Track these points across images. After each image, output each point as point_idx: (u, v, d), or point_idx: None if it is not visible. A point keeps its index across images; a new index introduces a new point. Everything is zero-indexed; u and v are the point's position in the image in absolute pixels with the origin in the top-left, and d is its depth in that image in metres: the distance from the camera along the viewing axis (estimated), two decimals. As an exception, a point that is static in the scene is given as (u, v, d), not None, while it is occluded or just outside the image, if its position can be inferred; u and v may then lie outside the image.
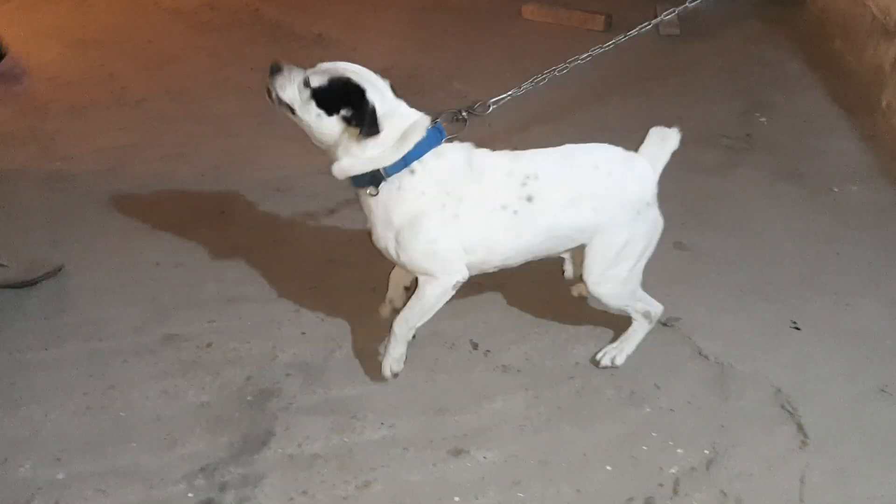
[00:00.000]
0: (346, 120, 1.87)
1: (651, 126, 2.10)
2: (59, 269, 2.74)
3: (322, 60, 1.96)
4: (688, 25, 5.12)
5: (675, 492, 1.89)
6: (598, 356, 2.30)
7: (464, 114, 2.05)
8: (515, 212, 1.95)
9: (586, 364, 2.32)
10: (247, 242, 2.91)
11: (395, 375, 2.13)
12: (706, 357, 2.31)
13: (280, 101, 1.93)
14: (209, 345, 2.40)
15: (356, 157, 1.91)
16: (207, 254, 2.86)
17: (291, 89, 1.91)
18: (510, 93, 2.20)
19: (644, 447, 2.02)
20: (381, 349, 2.26)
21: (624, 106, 4.00)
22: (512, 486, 1.92)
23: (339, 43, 5.15)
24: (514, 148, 2.06)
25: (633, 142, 2.10)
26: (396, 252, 1.98)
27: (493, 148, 2.04)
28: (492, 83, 4.30)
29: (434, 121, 1.96)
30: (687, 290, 2.60)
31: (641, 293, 2.21)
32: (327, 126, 1.90)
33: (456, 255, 1.97)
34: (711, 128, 3.76)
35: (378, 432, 2.08)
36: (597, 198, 2.00)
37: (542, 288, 2.59)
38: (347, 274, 2.73)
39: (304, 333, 2.45)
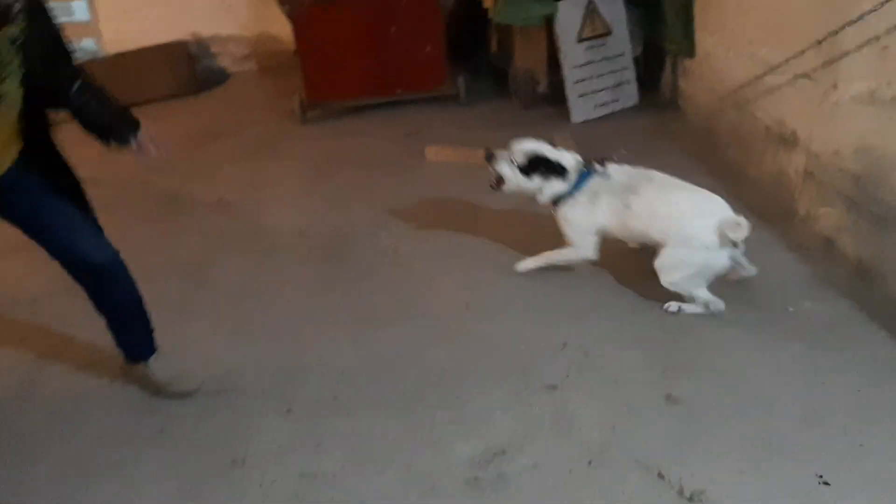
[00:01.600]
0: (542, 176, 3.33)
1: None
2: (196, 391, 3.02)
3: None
4: (589, 147, 5.24)
5: None
6: (666, 306, 3.27)
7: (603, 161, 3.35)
8: (622, 209, 3.23)
9: None
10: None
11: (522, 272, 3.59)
12: (747, 534, 2.17)
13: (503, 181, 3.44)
14: None
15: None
16: None
17: (506, 167, 3.42)
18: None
19: None
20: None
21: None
22: None
23: (243, 206, 4.94)
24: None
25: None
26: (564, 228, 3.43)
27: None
28: (417, 233, 4.24)
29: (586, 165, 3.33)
30: (696, 453, 2.47)
31: (705, 293, 3.16)
32: (530, 184, 3.39)
33: (589, 240, 3.38)
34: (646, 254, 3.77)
35: None
36: (663, 222, 3.11)
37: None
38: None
39: None
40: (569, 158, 3.32)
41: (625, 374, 2.92)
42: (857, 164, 3.45)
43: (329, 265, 4.04)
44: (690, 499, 2.29)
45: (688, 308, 3.23)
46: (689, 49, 5.48)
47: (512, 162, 3.31)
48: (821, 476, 2.33)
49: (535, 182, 3.32)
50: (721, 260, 3.07)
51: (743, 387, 2.80)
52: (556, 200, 3.34)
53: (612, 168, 3.31)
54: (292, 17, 6.01)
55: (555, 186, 3.30)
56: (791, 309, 3.28)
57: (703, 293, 3.15)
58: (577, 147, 5.14)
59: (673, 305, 3.25)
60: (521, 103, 6.23)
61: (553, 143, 5.37)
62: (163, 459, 2.68)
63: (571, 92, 5.73)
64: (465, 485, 2.44)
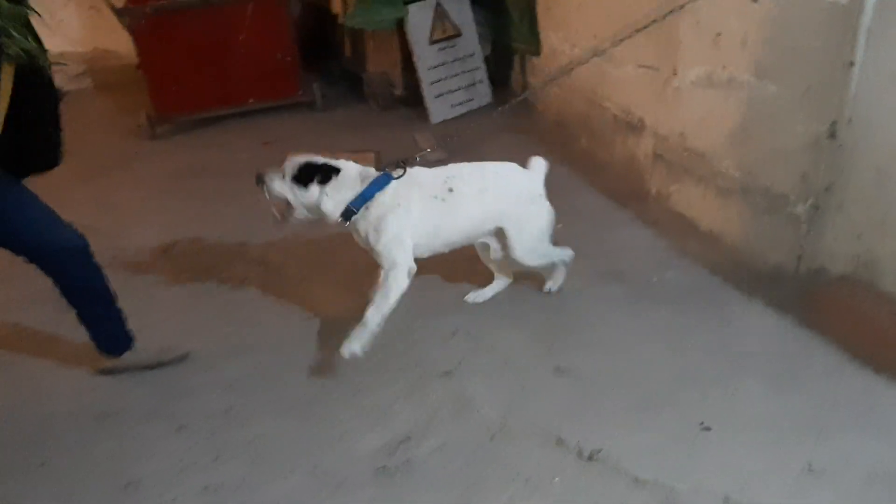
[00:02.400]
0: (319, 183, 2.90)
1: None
2: (186, 356, 3.16)
3: None
4: (449, 147, 5.39)
5: None
6: (546, 289, 3.38)
7: (403, 163, 3.00)
8: (443, 199, 2.91)
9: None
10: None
11: (352, 355, 2.79)
12: (644, 483, 2.31)
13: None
14: None
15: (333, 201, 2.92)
16: None
17: (278, 185, 2.96)
18: (427, 150, 3.40)
19: None
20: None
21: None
22: None
23: (97, 229, 4.63)
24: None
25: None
26: (372, 242, 2.92)
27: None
28: (286, 240, 4.18)
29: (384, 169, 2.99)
30: (589, 417, 2.61)
31: (552, 249, 3.23)
32: (308, 195, 2.92)
33: (406, 248, 2.89)
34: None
35: None
36: (497, 189, 3.01)
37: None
38: None
39: None
40: (349, 164, 2.99)
41: (514, 354, 3.04)
42: (700, 143, 3.77)
43: (200, 281, 3.91)
44: (590, 458, 2.42)
45: (560, 278, 3.35)
46: (536, 47, 5.75)
47: (283, 177, 2.91)
48: (702, 423, 2.53)
49: (313, 192, 2.88)
50: (550, 208, 3.20)
51: (622, 353, 2.98)
52: (348, 214, 2.90)
53: (415, 170, 2.99)
54: (133, 29, 5.76)
55: (339, 194, 2.89)
56: (655, 279, 3.52)
57: (556, 251, 3.25)
58: (439, 145, 5.31)
59: (552, 285, 3.37)
60: (379, 106, 6.29)
61: (416, 142, 5.52)
62: (47, 493, 2.51)
63: (428, 93, 5.85)
64: (374, 475, 2.45)
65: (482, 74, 6.18)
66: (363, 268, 3.70)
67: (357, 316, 2.89)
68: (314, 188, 2.88)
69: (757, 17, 3.23)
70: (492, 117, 6.00)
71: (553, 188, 4.78)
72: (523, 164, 3.24)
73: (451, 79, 5.98)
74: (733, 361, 2.85)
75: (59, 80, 7.73)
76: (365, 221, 2.90)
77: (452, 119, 5.99)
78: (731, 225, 3.58)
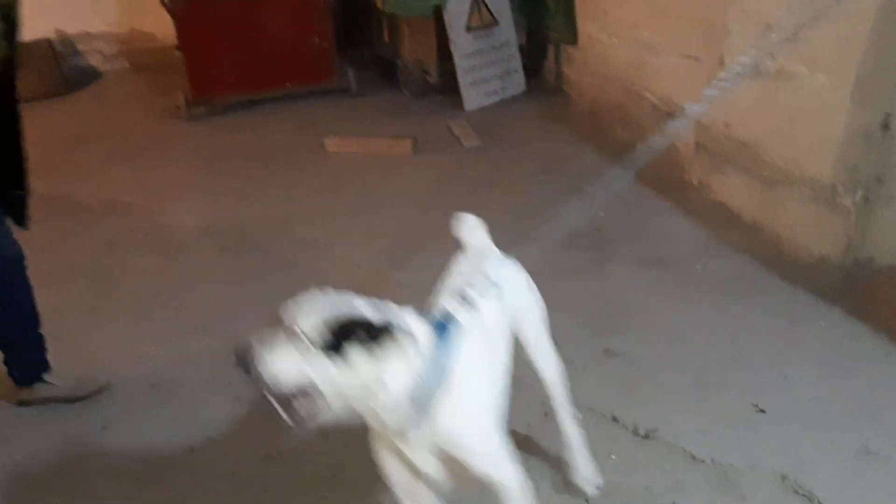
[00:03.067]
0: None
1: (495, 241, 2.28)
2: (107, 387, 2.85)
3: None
4: (484, 133, 5.44)
5: None
6: (585, 488, 2.23)
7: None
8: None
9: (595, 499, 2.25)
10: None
11: None
12: (702, 461, 2.36)
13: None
14: None
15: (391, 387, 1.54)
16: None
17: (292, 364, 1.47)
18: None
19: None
20: None
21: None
22: None
23: (138, 206, 4.74)
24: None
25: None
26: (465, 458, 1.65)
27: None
28: (333, 224, 4.24)
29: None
30: (642, 397, 2.65)
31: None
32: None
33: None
34: (564, 230, 3.95)
35: None
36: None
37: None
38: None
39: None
40: (395, 311, 1.61)
41: (562, 336, 3.06)
42: (744, 133, 3.79)
43: (244, 259, 3.96)
44: (646, 436, 2.47)
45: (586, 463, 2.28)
46: (572, 36, 5.77)
47: (303, 341, 1.48)
48: (756, 405, 2.57)
49: (360, 370, 1.49)
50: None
51: (670, 337, 3.02)
52: (421, 395, 1.56)
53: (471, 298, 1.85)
54: (173, 11, 5.82)
55: (404, 364, 1.55)
56: (699, 267, 3.56)
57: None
58: (478, 136, 5.36)
59: (589, 487, 2.27)
60: (412, 93, 6.33)
61: (450, 130, 5.57)
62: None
63: (463, 80, 5.88)
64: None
65: (517, 63, 6.22)
66: (413, 247, 3.78)
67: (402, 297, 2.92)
68: (360, 362, 1.49)
69: (807, 8, 3.24)
70: (525, 106, 6.08)
71: (589, 177, 4.82)
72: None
73: (486, 67, 6.01)
74: (782, 347, 2.89)
75: (95, 60, 7.86)
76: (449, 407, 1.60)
77: (486, 107, 6.03)
78: (776, 215, 3.61)
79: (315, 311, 1.51)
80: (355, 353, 1.48)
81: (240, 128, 5.97)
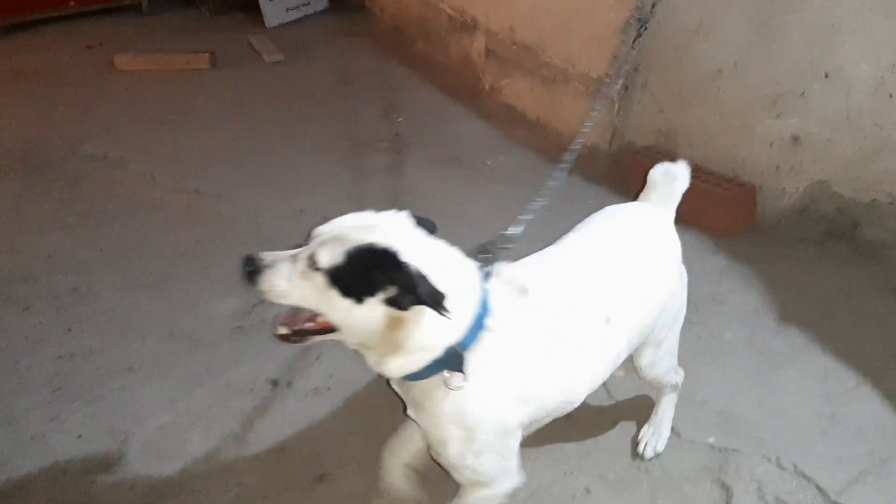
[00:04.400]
0: (391, 302, 1.33)
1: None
2: None
3: None
4: (287, 48, 5.38)
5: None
6: (640, 449, 2.08)
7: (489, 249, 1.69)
8: (597, 342, 1.59)
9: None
10: None
11: None
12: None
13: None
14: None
15: (416, 350, 1.37)
16: None
17: (289, 284, 1.35)
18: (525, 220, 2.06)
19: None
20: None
21: (262, 138, 4.11)
22: None
23: None
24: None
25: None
26: (460, 453, 1.48)
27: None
28: (127, 140, 4.09)
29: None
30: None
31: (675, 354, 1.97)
32: (362, 318, 1.34)
33: (516, 444, 1.56)
34: (365, 136, 4.07)
35: None
36: (657, 275, 1.73)
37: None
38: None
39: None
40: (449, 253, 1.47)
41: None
42: (527, 37, 4.03)
43: (33, 177, 3.76)
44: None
45: (664, 429, 2.12)
46: (370, -49, 5.78)
47: (312, 265, 1.34)
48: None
49: (371, 311, 1.34)
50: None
51: (461, 221, 3.21)
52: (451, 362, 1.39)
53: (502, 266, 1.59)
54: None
55: (437, 325, 1.36)
56: (489, 162, 3.81)
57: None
58: (281, 50, 5.29)
59: (648, 449, 2.10)
60: (209, 11, 6.11)
61: (251, 46, 5.45)
62: None
63: (263, -5, 5.75)
64: (231, 332, 2.57)
65: (318, -21, 6.14)
66: (213, 153, 3.71)
67: (200, 203, 2.91)
68: (374, 304, 1.34)
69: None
70: (329, 22, 6.06)
71: (391, 87, 4.98)
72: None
73: (286, -18, 5.90)
74: (553, 222, 3.17)
75: None
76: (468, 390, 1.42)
77: (288, 24, 5.94)
78: (555, 112, 3.90)
79: (342, 236, 1.35)
80: (372, 301, 1.33)
81: (20, 49, 5.51)
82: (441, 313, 1.29)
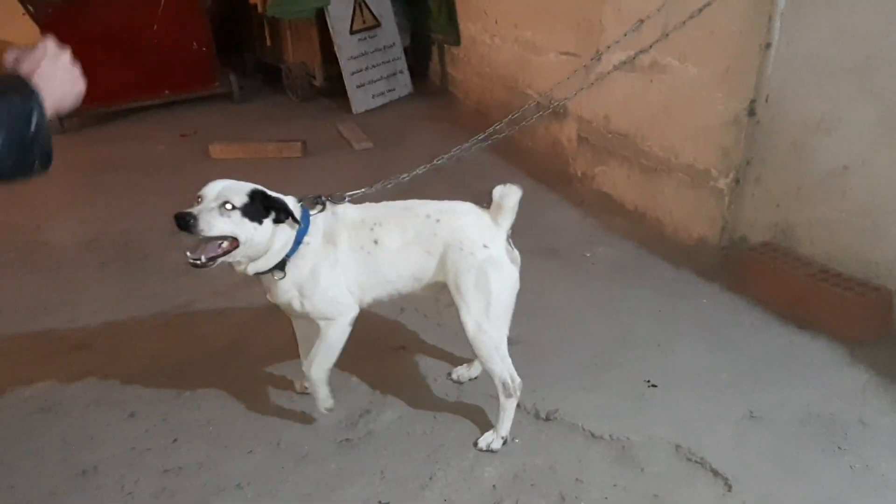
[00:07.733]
0: (277, 221, 2.19)
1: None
2: None
3: None
4: (374, 134, 5.44)
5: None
6: (478, 441, 2.46)
7: (323, 199, 2.40)
8: (369, 252, 2.32)
9: (502, 482, 2.30)
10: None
11: (330, 410, 2.49)
12: (601, 437, 2.44)
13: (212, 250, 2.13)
14: None
15: (272, 252, 2.23)
16: None
17: (220, 222, 2.08)
18: (363, 190, 2.61)
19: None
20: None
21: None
22: None
23: (13, 224, 4.49)
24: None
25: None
26: (301, 303, 2.32)
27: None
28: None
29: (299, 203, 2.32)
30: (542, 381, 2.72)
31: (506, 354, 2.38)
32: (261, 234, 2.16)
33: (345, 296, 2.34)
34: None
35: None
36: (427, 241, 2.32)
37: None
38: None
39: None
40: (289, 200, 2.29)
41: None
42: (623, 125, 3.96)
43: (129, 272, 3.82)
44: (547, 418, 2.53)
45: (501, 429, 2.45)
46: (455, 37, 5.86)
47: (226, 208, 2.08)
48: (648, 380, 2.68)
49: (267, 228, 2.17)
50: (514, 273, 2.41)
51: (565, 322, 3.12)
52: (282, 263, 2.26)
53: (341, 209, 2.39)
54: (40, 18, 5.52)
55: (287, 232, 2.23)
56: (588, 254, 3.69)
57: (506, 355, 2.40)
58: (369, 138, 5.36)
59: (482, 442, 2.45)
60: (298, 98, 6.27)
61: (340, 133, 5.53)
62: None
63: (350, 83, 5.86)
64: (338, 446, 2.48)
65: (402, 65, 6.25)
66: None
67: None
68: (267, 225, 2.16)
69: (677, 4, 3.42)
70: (413, 107, 6.12)
71: (477, 173, 4.95)
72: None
73: (371, 69, 6.02)
74: (668, 325, 3.03)
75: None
76: (293, 273, 2.28)
77: (374, 109, 6.03)
78: (656, 201, 3.79)
79: (233, 186, 2.16)
80: (266, 220, 2.16)
81: (118, 137, 5.74)
82: (295, 221, 2.22)
